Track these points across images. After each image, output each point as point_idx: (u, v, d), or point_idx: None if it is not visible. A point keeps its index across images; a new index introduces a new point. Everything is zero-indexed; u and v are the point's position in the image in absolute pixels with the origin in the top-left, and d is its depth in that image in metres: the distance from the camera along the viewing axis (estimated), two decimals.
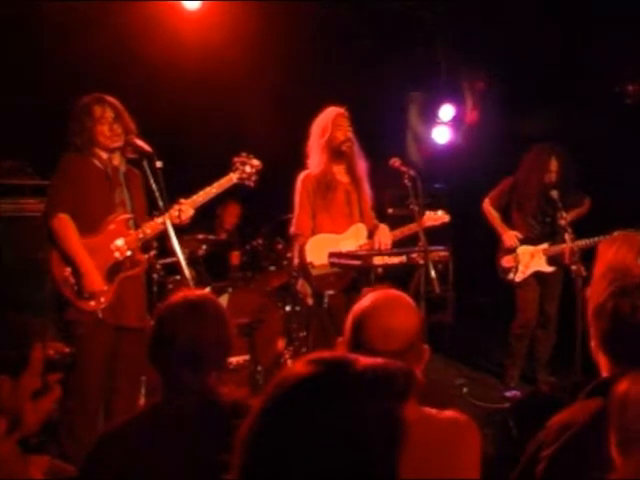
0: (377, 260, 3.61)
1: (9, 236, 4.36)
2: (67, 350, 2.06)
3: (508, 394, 4.74)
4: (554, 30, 5.63)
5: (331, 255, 3.83)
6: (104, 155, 3.40)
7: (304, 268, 3.94)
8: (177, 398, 1.78)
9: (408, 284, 4.48)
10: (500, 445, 3.29)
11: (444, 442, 1.35)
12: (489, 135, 6.56)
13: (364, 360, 0.92)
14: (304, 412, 0.87)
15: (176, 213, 3.35)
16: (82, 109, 3.36)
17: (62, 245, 3.23)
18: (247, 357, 4.55)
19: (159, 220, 3.31)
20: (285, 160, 4.32)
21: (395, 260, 3.68)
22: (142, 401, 3.80)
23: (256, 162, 3.68)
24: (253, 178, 3.67)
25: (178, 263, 3.15)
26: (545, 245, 4.84)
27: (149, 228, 3.37)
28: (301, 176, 4.07)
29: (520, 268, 4.86)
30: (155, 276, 4.23)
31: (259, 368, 4.45)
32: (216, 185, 3.55)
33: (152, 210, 3.42)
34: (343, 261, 3.77)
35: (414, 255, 3.69)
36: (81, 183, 3.32)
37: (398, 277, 3.39)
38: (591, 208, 4.92)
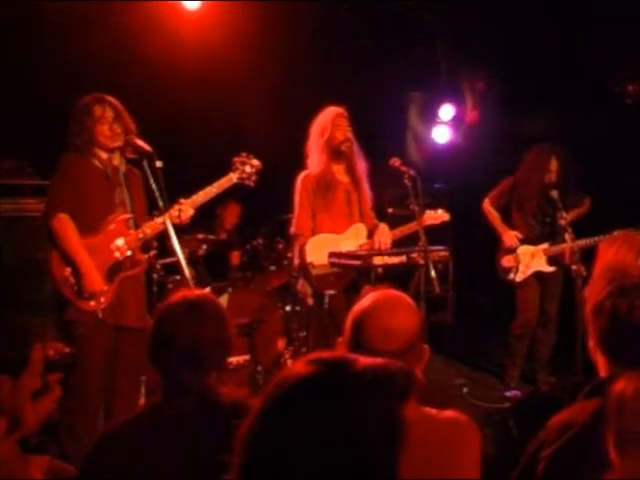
0: (377, 260, 3.61)
1: (9, 236, 4.36)
2: (67, 350, 2.06)
3: (508, 394, 4.74)
4: (554, 30, 5.63)
5: (331, 255, 3.83)
6: (104, 155, 3.40)
7: (304, 268, 3.94)
8: (177, 398, 1.78)
9: (408, 284, 4.48)
10: (500, 445, 3.29)
11: (444, 442, 1.35)
12: (489, 135, 6.56)
13: (364, 360, 0.92)
14: (304, 412, 0.87)
15: (176, 213, 3.35)
16: (82, 109, 3.36)
17: (62, 245, 3.23)
18: (247, 357, 4.56)
19: (159, 220, 3.31)
20: (285, 160, 4.32)
21: (395, 260, 3.68)
22: (142, 401, 3.80)
23: (256, 162, 3.68)
24: (253, 178, 3.67)
25: (178, 263, 3.15)
26: (545, 245, 4.84)
27: (149, 228, 3.37)
28: (301, 176, 4.07)
29: (520, 268, 4.86)
30: (155, 276, 4.23)
31: (259, 368, 4.45)
32: (216, 185, 3.55)
33: (152, 210, 3.42)
34: (343, 261, 3.77)
35: (414, 255, 3.69)
36: (81, 183, 3.32)
37: (398, 277, 3.39)
38: (591, 208, 4.92)
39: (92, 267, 3.23)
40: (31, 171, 4.59)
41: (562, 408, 1.64)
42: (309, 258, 3.94)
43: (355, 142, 4.06)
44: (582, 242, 4.41)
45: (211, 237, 5.34)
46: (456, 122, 7.15)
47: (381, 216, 4.45)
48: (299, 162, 4.11)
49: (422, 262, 3.66)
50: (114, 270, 3.33)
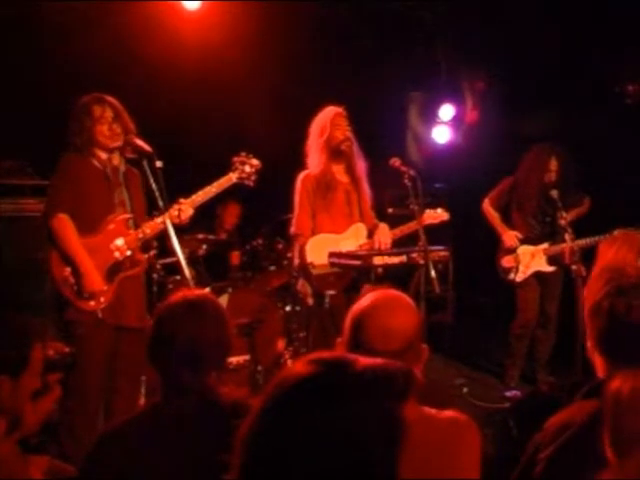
0: (377, 260, 3.61)
1: (9, 236, 4.36)
2: (67, 350, 2.06)
3: (508, 394, 4.74)
4: (554, 30, 5.63)
5: (331, 255, 3.83)
6: (103, 155, 3.40)
7: (305, 268, 3.94)
8: (177, 398, 1.78)
9: (408, 284, 4.48)
10: (500, 445, 3.29)
11: (444, 442, 1.35)
12: (489, 135, 6.57)
13: (364, 360, 0.93)
14: (304, 412, 0.87)
15: (176, 213, 3.35)
16: (81, 109, 3.36)
17: (62, 245, 3.23)
18: (247, 357, 4.56)
19: (159, 220, 3.31)
20: (285, 160, 4.32)
21: (395, 260, 3.68)
22: (142, 401, 3.80)
23: (255, 162, 3.68)
24: (252, 178, 3.67)
25: (178, 263, 3.15)
26: (545, 245, 4.84)
27: (149, 228, 3.37)
28: (301, 176, 4.07)
29: (521, 268, 4.86)
30: (155, 276, 4.23)
31: (259, 368, 4.45)
32: (215, 185, 3.55)
33: (152, 210, 3.42)
34: (343, 261, 3.77)
35: (414, 255, 3.69)
36: (81, 183, 3.32)
37: (398, 277, 3.39)
38: (591, 208, 4.92)
39: (92, 267, 3.23)
40: (31, 171, 4.59)
41: (562, 408, 1.63)
42: (309, 258, 3.93)
43: (355, 142, 4.06)
44: (582, 242, 4.41)
45: (211, 237, 5.34)
46: (456, 122, 7.15)
47: (381, 216, 4.45)
48: (299, 162, 4.11)
49: (422, 262, 3.66)
50: (114, 270, 3.33)
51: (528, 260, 4.85)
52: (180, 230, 3.35)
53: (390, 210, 6.16)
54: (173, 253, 3.18)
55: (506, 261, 4.92)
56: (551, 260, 4.82)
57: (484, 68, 6.69)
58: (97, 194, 3.36)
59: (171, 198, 3.32)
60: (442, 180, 6.92)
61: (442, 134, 7.23)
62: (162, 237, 3.38)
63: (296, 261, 4.05)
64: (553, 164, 4.78)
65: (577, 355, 3.79)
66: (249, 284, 5.24)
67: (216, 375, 1.85)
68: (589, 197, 4.95)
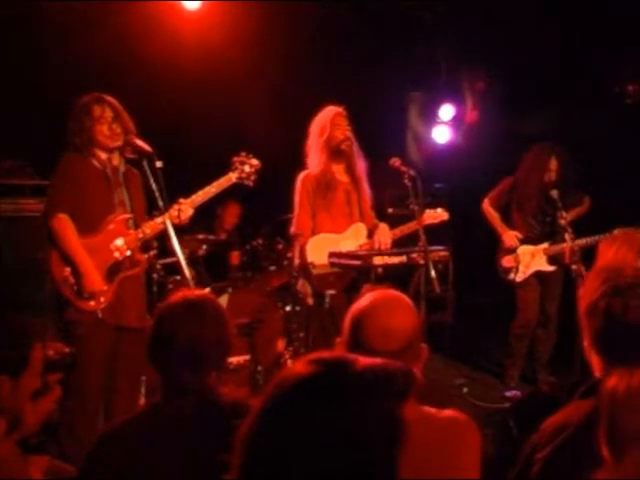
0: (377, 260, 3.61)
1: (9, 236, 4.36)
2: (67, 350, 2.06)
3: (508, 394, 4.74)
4: (554, 30, 5.63)
5: (331, 255, 3.83)
6: (103, 155, 3.40)
7: (305, 268, 3.94)
8: (177, 398, 1.78)
9: (408, 284, 4.48)
10: (500, 445, 3.29)
11: (444, 441, 1.35)
12: (489, 135, 6.57)
13: (364, 360, 0.93)
14: (304, 412, 0.87)
15: (175, 213, 3.35)
16: (81, 109, 3.36)
17: (62, 245, 3.23)
18: (247, 357, 4.55)
19: (159, 220, 3.31)
20: (285, 160, 4.32)
21: (395, 260, 3.68)
22: (142, 401, 3.79)
23: (255, 162, 3.68)
24: (252, 177, 3.67)
25: (178, 263, 3.15)
26: (545, 245, 4.84)
27: (149, 228, 3.37)
28: (301, 176, 4.07)
29: (521, 268, 4.86)
30: (155, 276, 4.22)
31: (259, 368, 4.45)
32: (215, 185, 3.55)
33: (152, 210, 3.42)
34: (343, 261, 3.77)
35: (414, 255, 3.69)
36: (80, 183, 3.32)
37: (398, 277, 3.39)
38: (591, 207, 4.92)
39: (92, 267, 3.23)
40: (31, 171, 4.59)
41: (561, 408, 1.63)
42: (309, 258, 3.93)
43: (355, 141, 4.06)
44: (582, 241, 4.41)
45: (211, 237, 5.34)
46: (456, 122, 7.16)
47: (381, 216, 4.45)
48: (299, 162, 4.11)
49: (422, 262, 3.66)
50: (114, 270, 3.33)
51: (528, 260, 4.85)
52: (180, 230, 3.35)
53: (390, 210, 6.16)
54: (173, 253, 3.19)
55: (506, 261, 4.92)
56: (551, 260, 4.82)
57: (484, 68, 6.69)
58: (97, 194, 3.36)
59: (171, 198, 3.32)
60: (442, 180, 6.92)
61: (442, 134, 7.23)
62: (162, 237, 3.38)
63: (296, 261, 4.05)
64: (553, 164, 4.78)
65: (577, 355, 3.79)
66: (249, 284, 5.24)
67: (216, 375, 1.85)
68: (589, 197, 4.95)
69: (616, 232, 3.87)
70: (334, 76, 5.94)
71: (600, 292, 1.63)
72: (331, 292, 3.88)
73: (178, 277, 4.44)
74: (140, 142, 3.30)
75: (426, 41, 6.70)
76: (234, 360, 4.48)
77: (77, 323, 3.23)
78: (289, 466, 0.85)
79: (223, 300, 4.64)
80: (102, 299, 3.25)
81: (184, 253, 3.30)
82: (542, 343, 4.97)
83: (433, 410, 1.38)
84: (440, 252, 3.84)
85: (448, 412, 1.40)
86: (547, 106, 5.80)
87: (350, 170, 4.12)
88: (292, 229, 4.09)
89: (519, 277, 4.87)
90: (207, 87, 5.56)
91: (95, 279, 3.22)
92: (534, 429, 1.63)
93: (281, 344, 4.77)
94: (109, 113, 3.35)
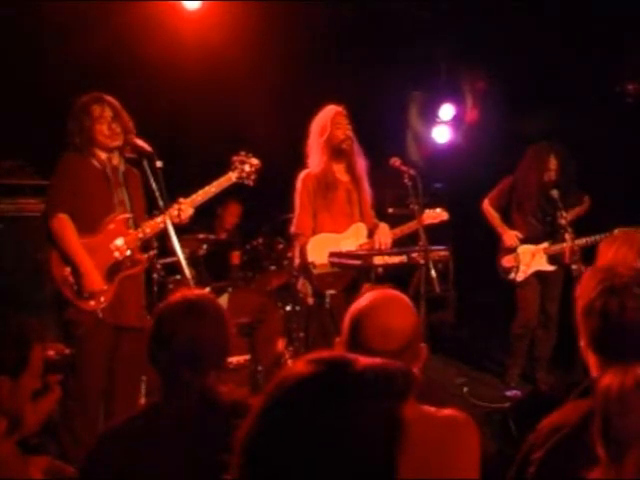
0: (377, 260, 3.62)
1: (9, 236, 4.36)
2: (67, 351, 2.06)
3: (509, 394, 4.74)
4: (554, 30, 5.63)
5: (331, 255, 3.83)
6: (103, 155, 3.40)
7: (306, 268, 3.94)
8: (177, 398, 1.78)
9: (408, 284, 4.48)
10: (500, 444, 3.29)
11: (443, 440, 1.35)
12: (489, 135, 6.57)
13: (364, 360, 0.92)
14: (304, 412, 0.87)
15: (176, 212, 3.35)
16: (81, 108, 3.35)
17: (62, 245, 3.23)
18: (247, 357, 4.55)
19: (159, 220, 3.31)
20: (285, 160, 4.32)
21: (395, 260, 3.68)
22: (142, 401, 3.79)
23: (255, 161, 3.68)
24: (252, 177, 3.67)
25: (178, 263, 3.15)
26: (545, 244, 4.84)
27: (149, 227, 3.37)
28: (301, 175, 4.06)
29: (521, 268, 4.86)
30: (155, 276, 4.21)
31: (259, 368, 4.44)
32: (215, 184, 3.55)
33: (152, 210, 3.42)
34: (343, 261, 3.77)
35: (414, 255, 3.69)
36: (80, 183, 3.32)
37: (398, 277, 3.39)
38: (591, 207, 4.92)
39: (92, 267, 3.23)
40: (31, 171, 4.59)
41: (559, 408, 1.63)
42: (310, 258, 3.93)
43: (355, 141, 4.06)
44: (582, 241, 4.42)
45: (211, 237, 5.34)
46: (456, 122, 7.16)
47: (381, 216, 4.44)
48: (299, 162, 4.11)
49: (422, 262, 3.66)
50: (114, 270, 3.33)
51: (528, 260, 4.85)
52: (180, 230, 3.35)
53: (390, 210, 6.16)
54: (173, 253, 3.19)
55: (506, 261, 4.92)
56: (551, 259, 4.82)
57: (484, 68, 6.69)
58: (97, 194, 3.36)
59: (171, 198, 3.32)
60: (442, 180, 6.93)
61: (442, 134, 7.23)
62: (162, 237, 3.39)
63: (297, 261, 4.05)
64: (552, 163, 4.77)
65: (577, 355, 3.78)
66: (249, 284, 5.24)
67: (216, 375, 1.85)
68: (589, 196, 4.95)
69: (616, 232, 3.87)
70: (334, 76, 5.94)
71: (596, 292, 1.63)
72: (331, 292, 3.88)
73: (178, 277, 4.44)
74: (140, 142, 3.30)
75: (426, 41, 6.70)
76: (234, 360, 4.48)
77: (77, 323, 3.23)
78: (289, 466, 0.85)
79: (223, 300, 4.64)
80: (102, 299, 3.25)
81: (184, 253, 3.30)
82: (542, 343, 4.97)
83: (432, 409, 1.37)
84: (440, 252, 3.84)
85: (447, 411, 1.40)
86: (547, 106, 5.80)
87: (351, 169, 4.12)
88: (292, 229, 4.09)
89: (519, 277, 4.87)
90: (207, 87, 5.56)
91: (95, 279, 3.22)
92: (533, 429, 1.63)
93: (281, 344, 4.77)
94: (109, 113, 3.35)
